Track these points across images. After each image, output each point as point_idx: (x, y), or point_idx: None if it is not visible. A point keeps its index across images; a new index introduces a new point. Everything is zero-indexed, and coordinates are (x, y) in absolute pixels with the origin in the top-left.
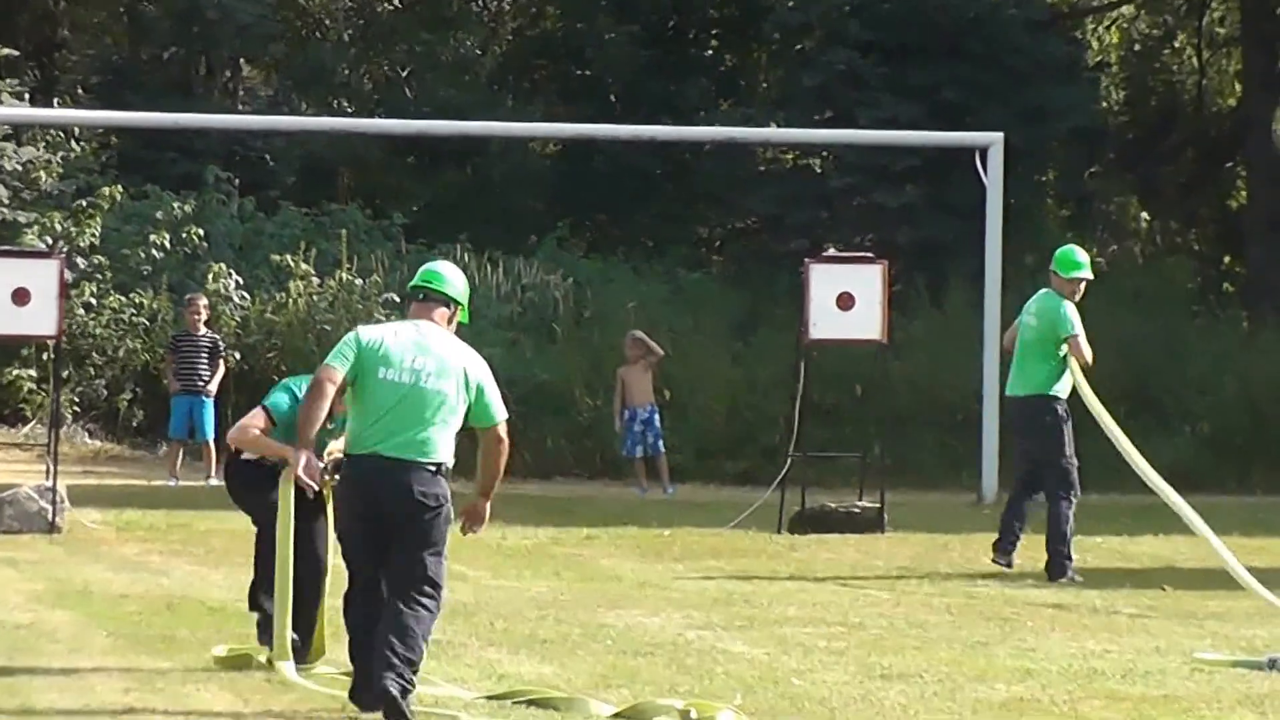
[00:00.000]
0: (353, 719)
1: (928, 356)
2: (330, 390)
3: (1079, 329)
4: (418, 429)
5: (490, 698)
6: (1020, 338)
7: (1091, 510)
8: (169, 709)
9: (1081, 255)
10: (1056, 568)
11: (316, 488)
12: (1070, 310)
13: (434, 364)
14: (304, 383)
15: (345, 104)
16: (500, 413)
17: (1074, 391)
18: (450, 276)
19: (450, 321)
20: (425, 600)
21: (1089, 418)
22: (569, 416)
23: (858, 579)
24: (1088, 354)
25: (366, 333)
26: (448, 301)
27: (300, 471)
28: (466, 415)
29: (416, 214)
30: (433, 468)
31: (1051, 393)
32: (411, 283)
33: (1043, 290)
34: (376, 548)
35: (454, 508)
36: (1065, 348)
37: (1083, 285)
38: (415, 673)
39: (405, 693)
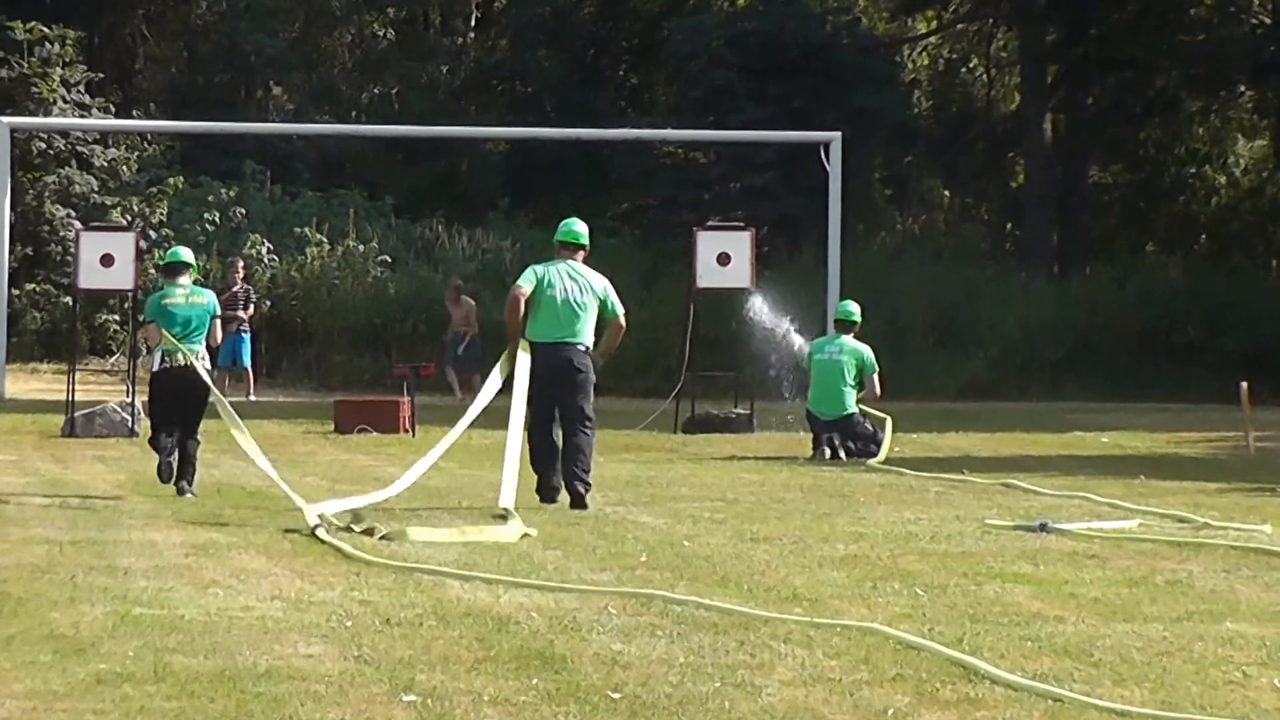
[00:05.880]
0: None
1: (785, 301)
2: (521, 302)
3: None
4: (572, 324)
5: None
6: (829, 368)
7: (911, 414)
8: (216, 567)
9: (853, 307)
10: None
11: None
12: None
13: (579, 285)
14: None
15: (348, 114)
16: (619, 309)
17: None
18: (582, 231)
19: (585, 259)
20: (587, 429)
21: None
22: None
23: (734, 466)
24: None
25: (540, 268)
26: (583, 246)
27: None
28: (601, 311)
29: (402, 196)
30: (582, 347)
31: (859, 409)
32: (560, 236)
33: (838, 334)
34: (552, 398)
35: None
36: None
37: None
38: (589, 475)
39: (587, 488)
